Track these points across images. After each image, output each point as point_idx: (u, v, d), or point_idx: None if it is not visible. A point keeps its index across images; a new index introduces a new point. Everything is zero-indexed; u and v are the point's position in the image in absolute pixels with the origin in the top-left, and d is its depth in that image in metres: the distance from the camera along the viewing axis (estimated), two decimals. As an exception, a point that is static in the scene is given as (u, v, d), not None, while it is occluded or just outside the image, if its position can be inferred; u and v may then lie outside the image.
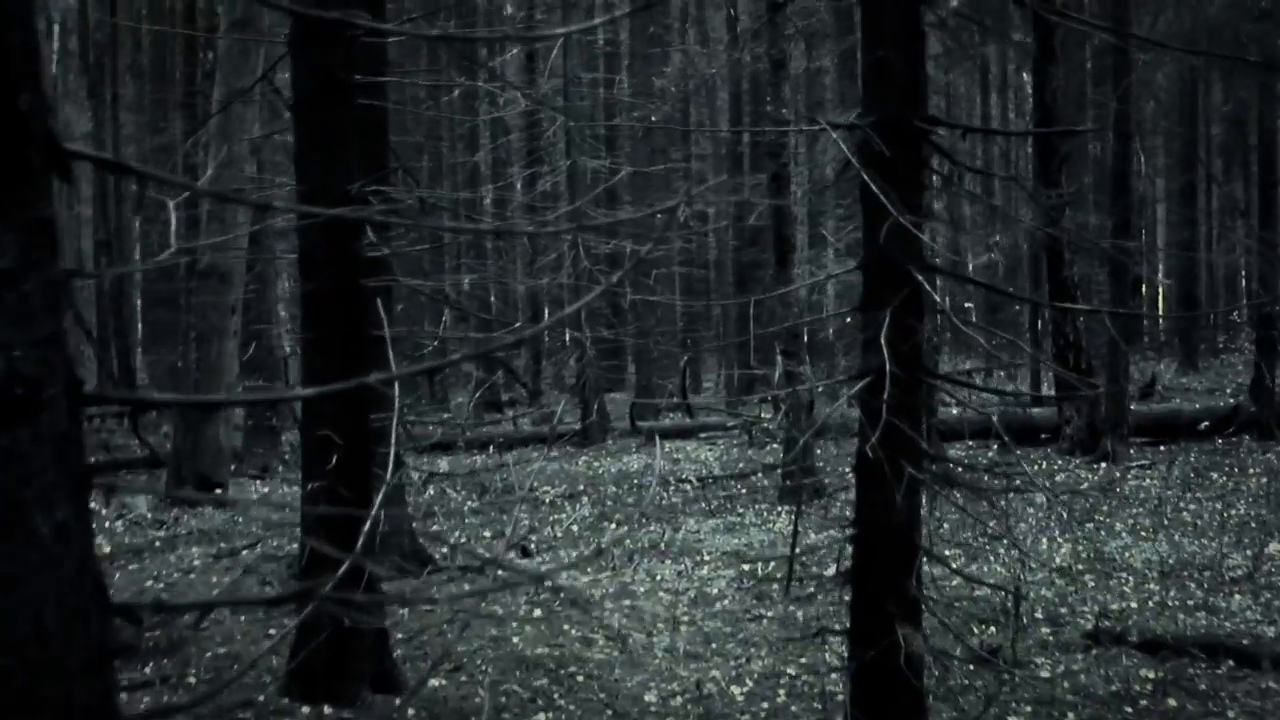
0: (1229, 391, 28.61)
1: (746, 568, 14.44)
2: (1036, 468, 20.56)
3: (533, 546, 15.73)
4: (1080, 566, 13.79)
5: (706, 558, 15.05)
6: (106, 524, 17.66)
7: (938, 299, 7.77)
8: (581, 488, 20.21)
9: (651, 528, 16.88)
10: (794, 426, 16.27)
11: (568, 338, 27.12)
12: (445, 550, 15.58)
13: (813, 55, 20.95)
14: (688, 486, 20.08)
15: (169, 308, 29.08)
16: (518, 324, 24.31)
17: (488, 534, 16.72)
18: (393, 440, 6.68)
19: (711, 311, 39.36)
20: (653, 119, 24.76)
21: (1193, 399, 27.33)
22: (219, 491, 18.10)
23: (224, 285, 17.61)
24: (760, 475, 20.33)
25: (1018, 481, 12.15)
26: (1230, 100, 37.10)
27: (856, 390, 7.97)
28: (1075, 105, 20.88)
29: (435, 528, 17.31)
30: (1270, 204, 22.10)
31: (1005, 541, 14.53)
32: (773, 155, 17.99)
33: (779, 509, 17.78)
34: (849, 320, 27.26)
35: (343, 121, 9.66)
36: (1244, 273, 45.12)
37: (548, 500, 19.21)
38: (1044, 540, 15.06)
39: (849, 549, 8.39)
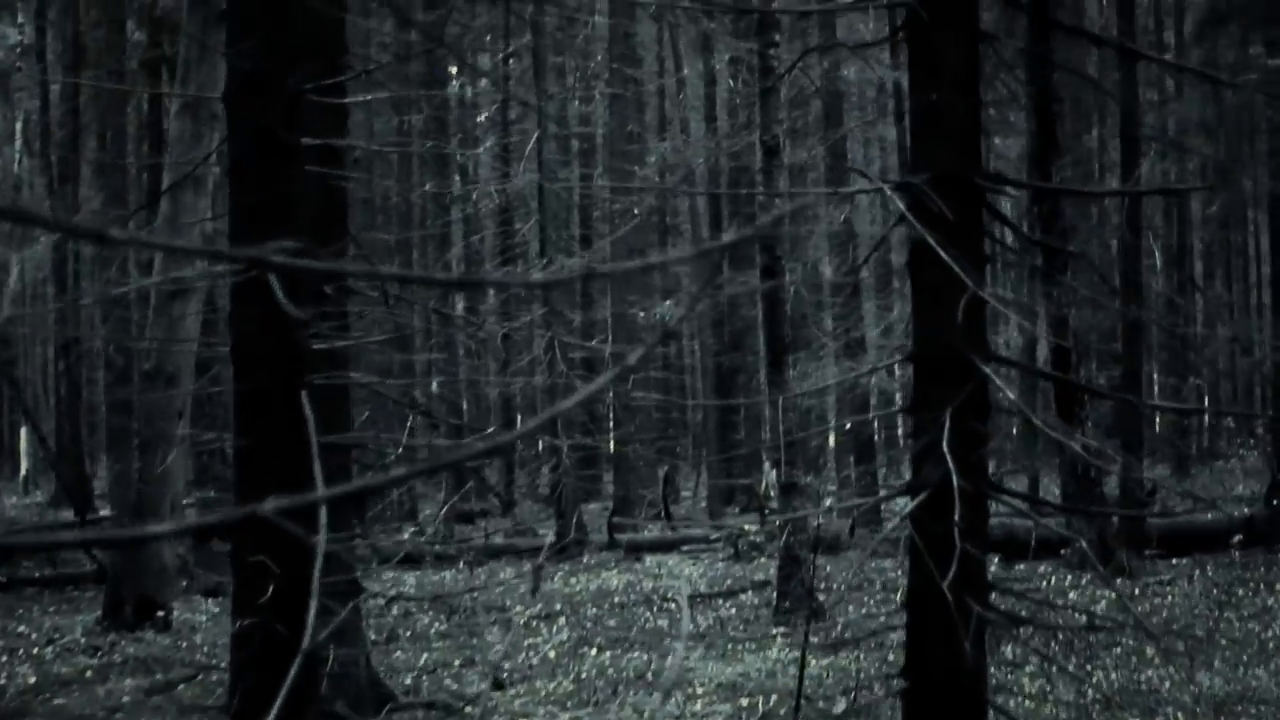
0: (1231, 500, 27.05)
1: (745, 702, 12.71)
2: (1045, 584, 18.92)
3: (505, 677, 13.97)
4: (1119, 699, 12.10)
5: (699, 690, 13.30)
6: (35, 650, 15.83)
7: (1010, 396, 6.22)
8: (558, 607, 18.45)
9: (636, 654, 15.15)
10: (796, 544, 14.62)
11: (540, 446, 25.50)
12: (408, 683, 13.83)
13: (798, 148, 19.59)
14: (673, 605, 18.34)
15: (128, 414, 27.32)
16: (489, 430, 22.73)
17: (456, 661, 14.94)
18: (317, 569, 4.99)
19: (690, 420, 37.78)
20: (635, 212, 23.36)
21: (1194, 507, 25.76)
22: (160, 615, 16.28)
23: (171, 387, 15.94)
24: (751, 594, 18.62)
25: (1094, 618, 10.47)
26: (1216, 203, 36.06)
27: (911, 509, 6.36)
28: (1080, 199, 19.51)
29: (399, 654, 15.54)
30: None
31: (1026, 674, 12.85)
32: (765, 248, 16.49)
33: (774, 631, 16.06)
34: (848, 427, 25.76)
35: (286, 188, 8.10)
36: (1204, 381, 43.62)
37: (521, 622, 17.45)
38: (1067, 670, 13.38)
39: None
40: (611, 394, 25.29)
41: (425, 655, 15.23)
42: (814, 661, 14.01)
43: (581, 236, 28.62)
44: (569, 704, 12.94)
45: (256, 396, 8.04)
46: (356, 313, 11.50)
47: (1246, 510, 21.87)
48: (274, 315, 8.05)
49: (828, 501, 15.01)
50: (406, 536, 24.49)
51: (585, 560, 22.95)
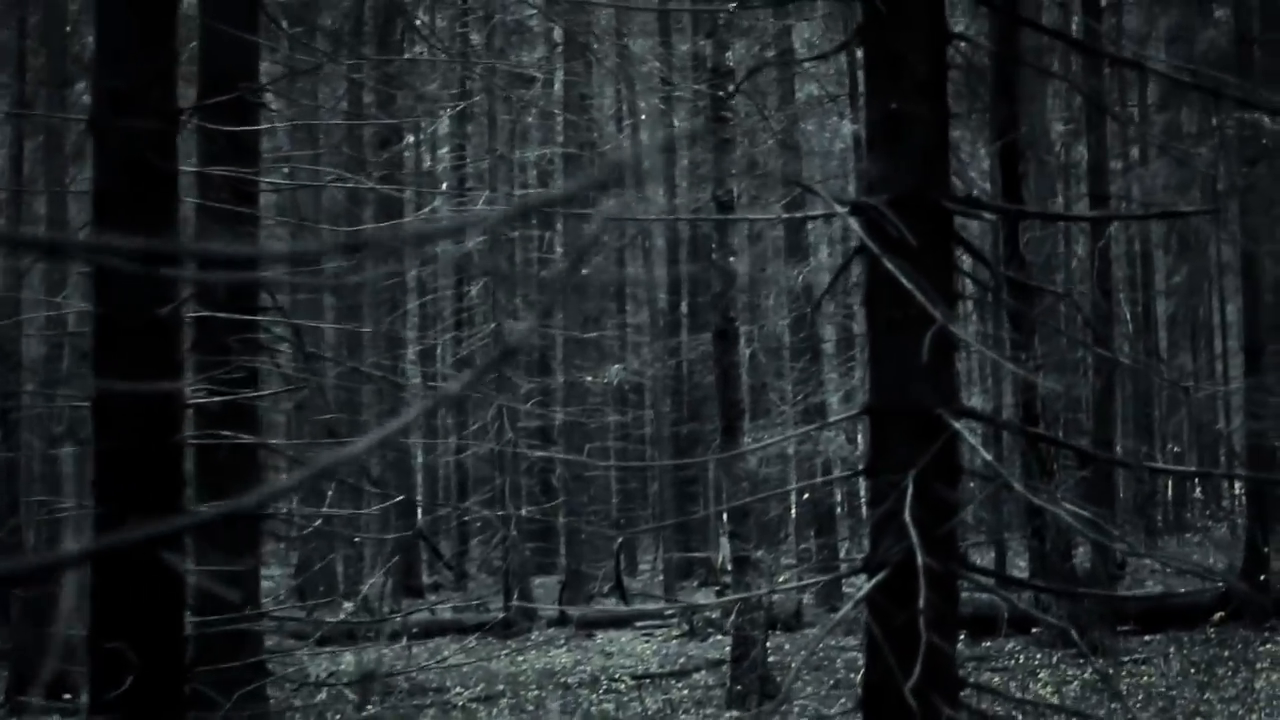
0: (1202, 571, 25.97)
1: (693, 796, 11.57)
2: (1014, 663, 17.85)
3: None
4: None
5: (644, 782, 12.17)
6: (-72, 737, 14.55)
7: (985, 456, 5.18)
8: (500, 688, 17.23)
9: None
10: (746, 622, 13.50)
11: (499, 517, 24.28)
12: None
13: (755, 207, 18.64)
14: (622, 686, 17.15)
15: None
16: (423, 499, 21.64)
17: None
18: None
19: (649, 489, 36.65)
20: (585, 272, 22.32)
21: (1164, 580, 24.72)
22: (69, 696, 14.99)
23: (80, 447, 14.74)
24: (704, 673, 17.44)
25: (1082, 717, 9.32)
26: (1180, 273, 35.37)
27: (868, 590, 5.30)
28: (1045, 264, 18.64)
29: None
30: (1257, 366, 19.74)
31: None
32: (719, 309, 15.49)
33: (727, 715, 14.88)
34: (805, 496, 24.64)
35: (158, 220, 7.03)
36: (1172, 446, 42.73)
37: (460, 704, 16.24)
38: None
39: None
40: (560, 464, 24.16)
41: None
42: None
43: (538, 301, 27.62)
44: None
45: (118, 457, 6.93)
46: (250, 364, 10.41)
47: (1220, 584, 20.85)
48: (143, 363, 6.97)
49: (782, 577, 13.95)
50: (346, 610, 23.26)
51: (534, 637, 21.72)
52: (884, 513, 5.28)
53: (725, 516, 14.96)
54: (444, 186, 25.96)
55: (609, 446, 29.82)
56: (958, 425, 5.23)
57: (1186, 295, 36.96)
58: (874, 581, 5.21)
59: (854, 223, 5.40)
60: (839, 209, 5.38)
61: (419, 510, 30.53)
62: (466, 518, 25.26)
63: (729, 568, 17.07)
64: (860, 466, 5.53)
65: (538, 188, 27.09)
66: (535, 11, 26.66)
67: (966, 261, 5.97)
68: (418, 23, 27.16)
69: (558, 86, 27.70)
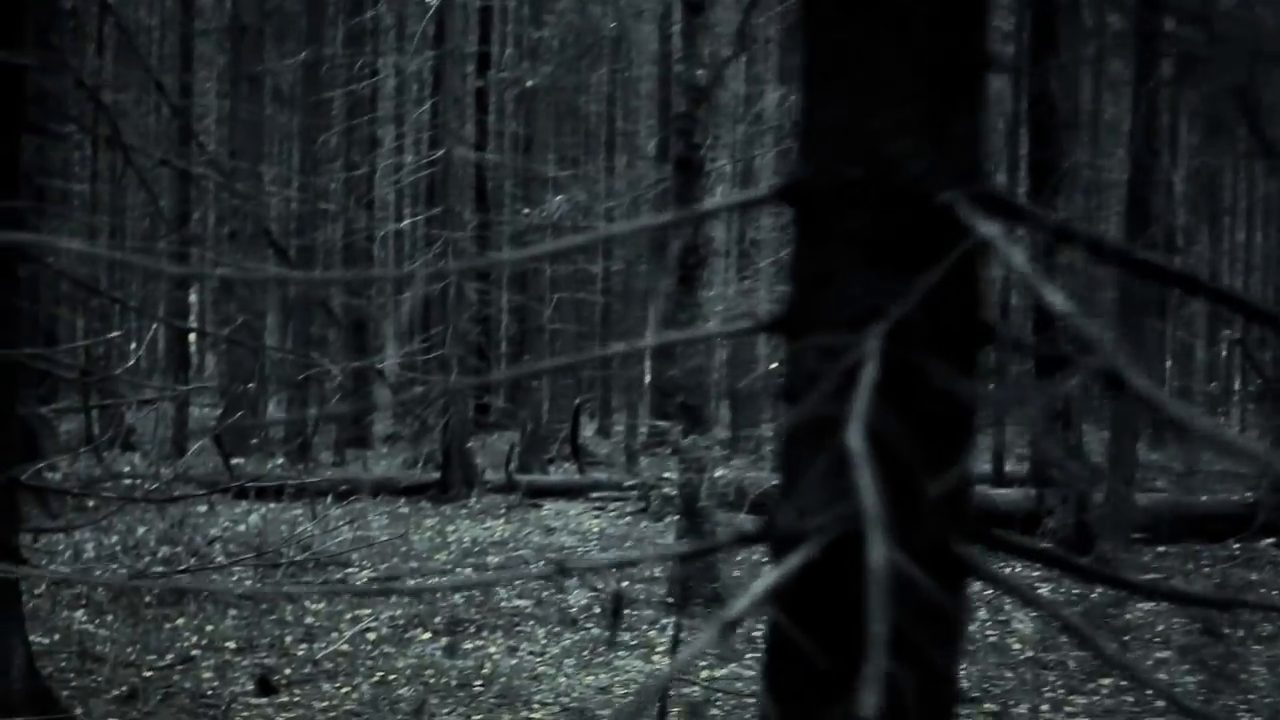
0: (1220, 472, 23.03)
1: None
2: (1010, 570, 15.04)
3: (279, 678, 9.95)
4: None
5: (536, 711, 9.35)
6: None
7: (1030, 275, 2.20)
8: (411, 565, 14.42)
9: (479, 644, 11.19)
10: (689, 519, 10.64)
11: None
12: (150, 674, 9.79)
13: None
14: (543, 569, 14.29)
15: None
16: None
17: (231, 644, 10.93)
18: None
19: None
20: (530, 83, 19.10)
21: (1183, 485, 21.73)
22: None
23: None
24: (645, 566, 14.55)
25: None
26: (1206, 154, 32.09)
27: (768, 589, 2.31)
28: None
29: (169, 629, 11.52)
30: None
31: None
32: (680, 132, 12.40)
33: (667, 621, 12.00)
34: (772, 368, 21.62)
35: None
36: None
37: (357, 584, 13.44)
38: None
39: None
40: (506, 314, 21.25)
41: (197, 635, 11.20)
42: (709, 670, 10.13)
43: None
44: (350, 726, 8.95)
45: None
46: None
47: (1249, 495, 17.83)
48: None
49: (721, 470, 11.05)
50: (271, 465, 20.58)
51: (471, 504, 18.89)
52: (811, 425, 2.29)
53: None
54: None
55: (583, 298, 26.73)
56: (984, 229, 2.21)
57: (1210, 175, 33.64)
58: (779, 574, 2.23)
59: None
60: None
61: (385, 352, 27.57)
62: (398, 365, 22.27)
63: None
64: (773, 317, 2.47)
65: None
66: None
67: None
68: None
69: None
